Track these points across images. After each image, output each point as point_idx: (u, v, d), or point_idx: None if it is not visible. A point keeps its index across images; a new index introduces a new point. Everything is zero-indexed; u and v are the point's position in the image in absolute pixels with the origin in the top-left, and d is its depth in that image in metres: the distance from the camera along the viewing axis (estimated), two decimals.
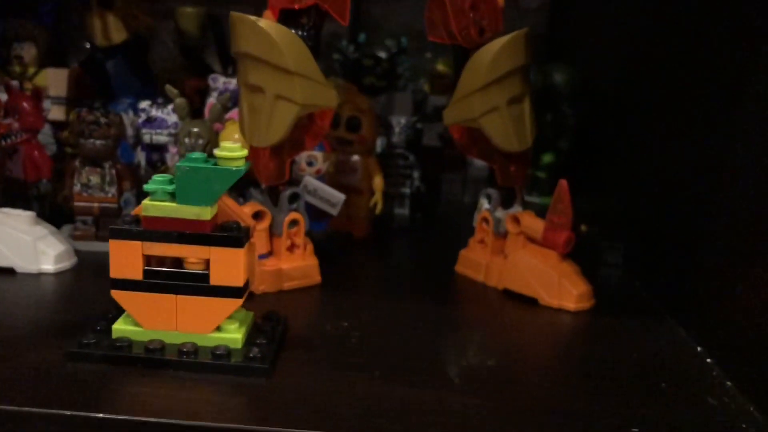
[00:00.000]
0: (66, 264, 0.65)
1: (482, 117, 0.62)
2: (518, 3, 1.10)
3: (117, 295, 0.48)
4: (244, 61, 0.57)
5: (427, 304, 0.62)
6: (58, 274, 0.64)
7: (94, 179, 0.69)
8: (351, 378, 0.47)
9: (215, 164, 0.46)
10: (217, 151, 0.46)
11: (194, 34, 1.03)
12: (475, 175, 0.98)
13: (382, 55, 0.99)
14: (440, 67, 1.06)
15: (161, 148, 0.77)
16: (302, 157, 0.72)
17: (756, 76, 0.51)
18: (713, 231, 0.56)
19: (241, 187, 0.65)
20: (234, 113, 0.72)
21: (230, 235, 0.47)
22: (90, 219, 0.70)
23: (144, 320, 0.48)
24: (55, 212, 0.74)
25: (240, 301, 0.48)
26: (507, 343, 0.56)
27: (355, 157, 0.79)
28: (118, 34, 0.88)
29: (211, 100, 0.79)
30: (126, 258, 0.47)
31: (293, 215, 0.62)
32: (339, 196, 0.70)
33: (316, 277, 0.64)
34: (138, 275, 0.48)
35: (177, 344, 0.47)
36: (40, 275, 0.63)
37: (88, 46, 0.95)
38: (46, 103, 0.82)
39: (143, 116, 0.77)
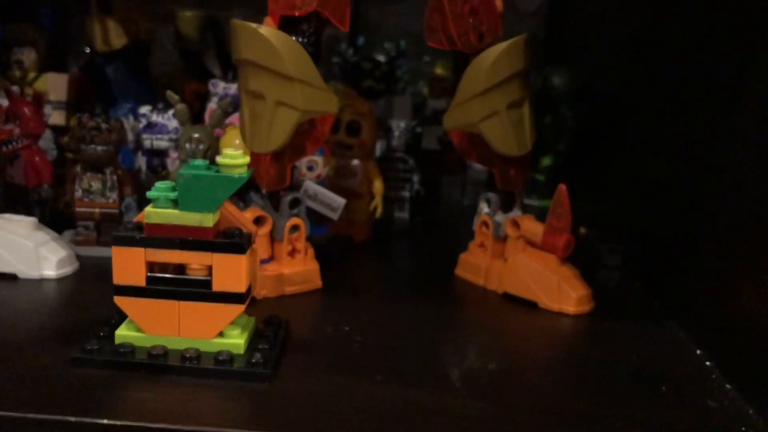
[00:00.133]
0: (68, 269, 0.65)
1: (482, 122, 0.62)
2: (516, 7, 1.11)
3: (120, 301, 0.48)
4: (245, 67, 0.58)
5: (427, 308, 0.62)
6: (60, 280, 0.64)
7: (96, 185, 0.69)
8: (352, 382, 0.48)
9: (217, 171, 0.47)
10: (219, 159, 0.46)
11: (194, 37, 1.03)
12: (475, 178, 0.99)
13: (381, 58, 0.99)
14: (439, 70, 1.06)
15: (162, 153, 0.77)
16: (303, 161, 0.72)
17: (755, 77, 0.51)
18: (712, 233, 0.56)
19: (243, 191, 0.65)
20: (234, 118, 0.72)
21: (232, 242, 0.47)
22: (91, 224, 0.71)
23: (147, 326, 0.49)
24: (56, 217, 0.74)
25: (242, 307, 0.48)
26: (507, 347, 0.56)
27: (355, 161, 0.79)
28: (117, 40, 0.88)
29: (212, 105, 0.79)
30: (129, 264, 0.48)
31: (294, 220, 0.63)
32: (339, 201, 0.70)
33: (317, 282, 0.64)
34: (141, 282, 0.48)
35: (180, 350, 0.48)
36: (42, 281, 0.63)
37: (88, 50, 0.96)
38: (47, 108, 0.83)
39: (144, 121, 0.77)
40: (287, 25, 0.59)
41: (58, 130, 0.85)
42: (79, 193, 0.70)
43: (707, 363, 0.54)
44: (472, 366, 0.52)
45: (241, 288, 0.48)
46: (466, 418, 0.44)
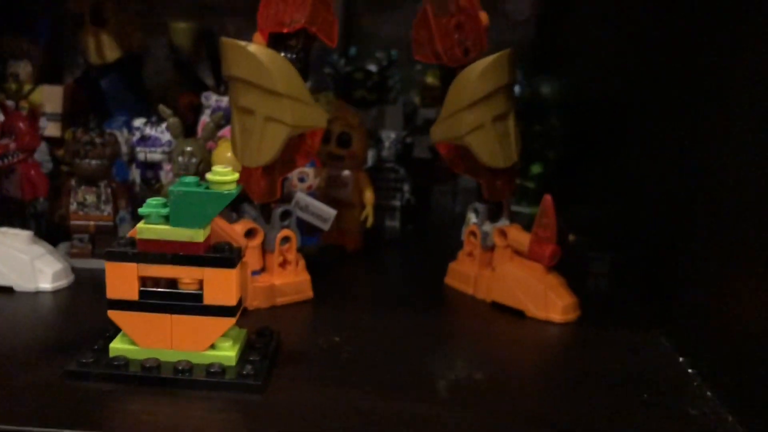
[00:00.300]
0: (63, 282, 0.66)
1: (468, 134, 0.63)
2: (507, 15, 1.12)
3: (114, 315, 0.50)
4: (236, 84, 0.59)
5: (417, 317, 0.63)
6: (55, 293, 0.65)
7: (90, 198, 0.71)
8: (342, 392, 0.49)
9: (207, 188, 0.48)
10: (208, 176, 0.47)
11: (188, 49, 1.04)
12: (466, 187, 1.00)
13: (373, 68, 1.00)
14: (430, 79, 1.07)
15: (155, 166, 0.79)
16: (294, 173, 0.73)
17: (739, 88, 0.52)
18: (697, 244, 0.57)
19: (236, 203, 0.66)
20: (227, 131, 0.73)
21: (223, 256, 0.48)
22: (86, 237, 0.72)
23: (140, 339, 0.50)
24: (52, 230, 0.75)
25: (233, 320, 0.49)
26: (495, 356, 0.57)
27: (346, 172, 0.80)
28: (111, 53, 0.89)
29: (204, 118, 0.80)
30: (122, 279, 0.49)
31: (285, 232, 0.64)
32: (330, 212, 0.71)
33: (309, 292, 0.66)
34: (134, 296, 0.49)
35: (172, 362, 0.49)
36: (37, 294, 0.65)
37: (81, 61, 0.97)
38: (42, 121, 0.84)
39: (137, 134, 0.78)
40: (276, 41, 0.60)
41: (53, 142, 0.86)
42: (74, 207, 0.71)
43: (690, 371, 0.55)
44: (459, 375, 0.53)
45: (232, 301, 0.49)
46: (454, 427, 0.45)
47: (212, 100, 0.82)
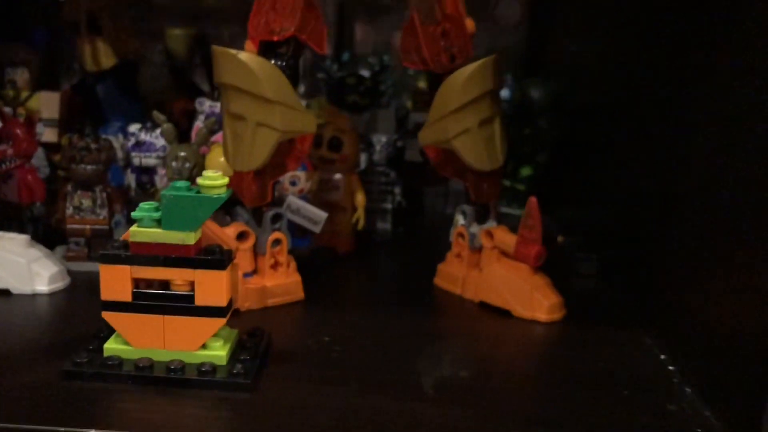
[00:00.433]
0: (59, 285, 0.68)
1: (455, 138, 0.65)
2: (497, 20, 1.14)
3: (108, 316, 0.51)
4: (227, 91, 0.60)
5: (405, 318, 0.65)
6: (51, 295, 0.66)
7: (86, 202, 0.72)
8: (331, 391, 0.50)
9: (198, 192, 0.49)
10: (199, 180, 0.49)
11: (183, 54, 1.06)
12: (457, 189, 1.01)
13: (365, 73, 1.02)
14: (422, 84, 1.09)
15: (150, 171, 0.80)
16: (286, 177, 0.75)
17: (715, 95, 0.54)
18: (675, 245, 0.59)
19: (229, 206, 0.68)
20: (219, 136, 0.74)
21: (213, 258, 0.50)
22: (82, 240, 0.73)
23: (133, 339, 0.51)
24: (48, 234, 0.76)
25: (224, 320, 0.51)
26: (481, 354, 0.59)
27: (338, 175, 0.82)
28: (107, 60, 0.91)
29: (198, 123, 0.82)
30: (116, 281, 0.50)
31: (276, 235, 0.65)
32: (321, 215, 0.73)
33: (300, 294, 0.67)
34: (127, 297, 0.50)
35: (165, 362, 0.50)
36: (34, 296, 0.66)
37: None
38: (39, 127, 0.85)
39: (132, 140, 0.80)
40: (267, 49, 0.61)
41: (50, 148, 0.88)
42: (70, 211, 0.72)
43: (670, 368, 0.56)
44: (446, 374, 0.54)
45: (222, 302, 0.50)
46: (440, 425, 0.46)
47: (206, 105, 0.83)
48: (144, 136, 0.79)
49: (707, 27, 0.55)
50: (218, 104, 0.84)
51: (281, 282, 0.66)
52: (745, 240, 0.47)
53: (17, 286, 0.66)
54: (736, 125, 0.49)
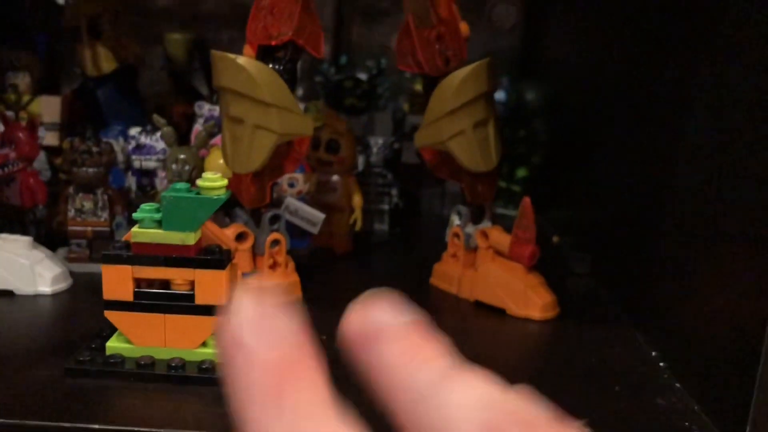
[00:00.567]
0: (62, 285, 0.69)
1: (450, 140, 0.66)
2: (493, 24, 1.15)
3: (110, 315, 0.52)
4: (226, 94, 0.62)
5: None
6: (54, 296, 0.68)
7: (87, 205, 0.73)
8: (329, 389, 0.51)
9: (198, 193, 0.50)
10: (199, 181, 0.50)
11: (182, 59, 1.07)
12: (453, 190, 1.02)
13: (363, 76, 1.03)
14: (418, 86, 1.10)
15: (151, 173, 0.81)
16: (284, 178, 0.76)
17: (700, 99, 0.55)
18: (665, 245, 0.60)
19: (228, 208, 0.69)
20: (218, 139, 0.76)
21: (213, 258, 0.51)
22: (84, 242, 0.74)
23: (135, 338, 0.52)
24: (50, 236, 0.77)
25: None
26: (476, 352, 0.60)
27: (335, 177, 0.83)
28: (107, 64, 0.92)
29: (197, 126, 0.83)
30: (117, 281, 0.51)
31: (274, 235, 0.66)
32: (319, 216, 0.74)
33: (297, 294, 0.68)
34: (129, 297, 0.52)
35: (166, 359, 0.51)
36: (37, 297, 0.67)
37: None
38: (40, 131, 0.86)
39: (133, 143, 0.81)
40: (265, 53, 0.63)
41: (51, 151, 0.89)
42: (71, 213, 0.74)
43: (661, 364, 0.57)
44: None
45: (222, 301, 0.51)
46: None
47: (205, 109, 0.84)
48: (144, 140, 0.81)
49: (698, 31, 0.56)
50: (217, 108, 0.85)
51: (280, 282, 0.67)
52: (732, 240, 0.48)
53: (20, 287, 0.67)
54: (725, 128, 0.51)
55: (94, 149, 0.71)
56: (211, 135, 0.74)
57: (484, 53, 0.68)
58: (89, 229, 0.74)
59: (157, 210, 0.51)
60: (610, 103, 0.77)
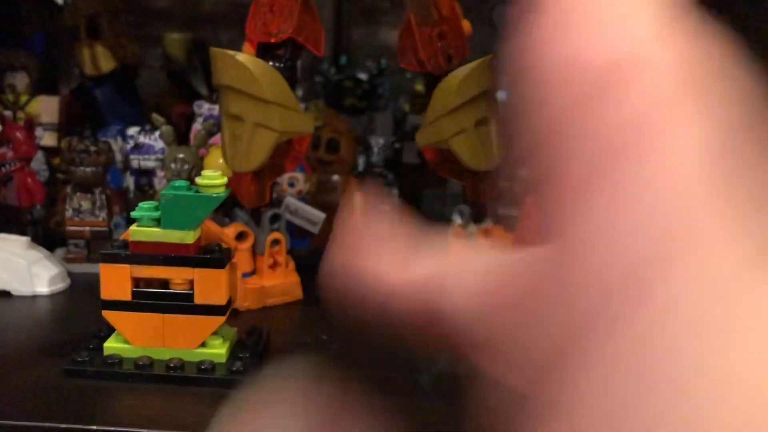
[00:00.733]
0: (60, 286, 0.68)
1: (452, 138, 0.65)
2: (494, 23, 1.14)
3: (108, 315, 0.51)
4: (225, 92, 0.61)
5: None
6: (52, 296, 0.67)
7: (85, 204, 0.73)
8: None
9: (197, 191, 0.50)
10: (198, 180, 0.49)
11: (181, 59, 1.06)
12: (455, 190, 1.02)
13: (363, 76, 1.03)
14: (419, 86, 1.09)
15: (149, 173, 0.81)
16: (284, 178, 0.76)
17: None
18: None
19: (228, 208, 0.68)
20: (218, 138, 0.75)
21: (212, 257, 0.50)
22: (82, 242, 0.74)
23: (133, 338, 0.52)
24: (48, 236, 0.77)
25: (223, 318, 0.51)
26: None
27: (336, 177, 0.82)
28: (106, 64, 0.91)
29: (196, 126, 0.82)
30: (115, 280, 0.51)
31: (274, 235, 0.66)
32: (319, 215, 0.73)
33: (298, 293, 0.67)
34: (127, 296, 0.51)
35: (164, 360, 0.51)
36: (35, 297, 0.66)
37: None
38: (38, 131, 0.86)
39: (131, 143, 0.80)
40: (265, 51, 0.62)
41: (49, 152, 0.88)
42: (69, 213, 0.73)
43: None
44: (442, 369, 0.55)
45: (222, 300, 0.51)
46: (437, 420, 0.47)
47: (204, 108, 0.84)
48: (143, 139, 0.80)
49: None
50: (216, 107, 0.85)
51: (280, 282, 0.66)
52: None
53: (18, 288, 0.66)
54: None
55: (92, 148, 0.71)
56: (211, 134, 0.73)
57: (486, 52, 0.67)
58: (87, 229, 0.73)
59: (156, 208, 0.50)
60: None
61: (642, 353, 0.12)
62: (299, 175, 0.77)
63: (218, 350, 0.52)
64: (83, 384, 0.49)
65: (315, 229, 0.74)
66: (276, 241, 0.66)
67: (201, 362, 0.50)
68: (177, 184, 0.50)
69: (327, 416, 0.20)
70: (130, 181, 0.82)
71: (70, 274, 0.70)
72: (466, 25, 0.66)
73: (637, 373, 0.12)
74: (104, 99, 0.94)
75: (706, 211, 0.13)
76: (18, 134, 0.75)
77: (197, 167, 0.70)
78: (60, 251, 0.75)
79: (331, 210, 0.79)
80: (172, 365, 0.50)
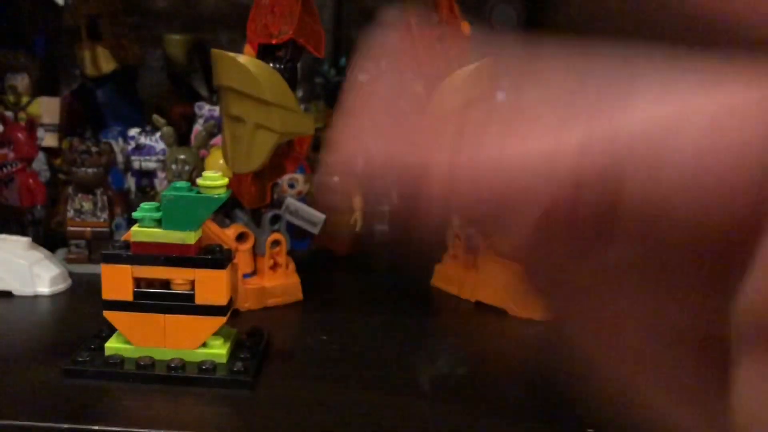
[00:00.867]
0: (61, 286, 0.68)
1: None
2: (493, 26, 1.15)
3: (109, 315, 0.52)
4: (226, 93, 0.61)
5: (403, 317, 0.66)
6: (53, 296, 0.67)
7: (87, 205, 0.73)
8: (329, 388, 0.51)
9: (198, 192, 0.50)
10: (199, 180, 0.50)
11: (182, 60, 1.07)
12: None
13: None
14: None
15: (150, 174, 0.81)
16: (284, 179, 0.76)
17: None
18: None
19: (228, 209, 0.68)
20: (218, 139, 0.75)
21: (213, 258, 0.51)
22: (83, 243, 0.74)
23: (134, 338, 0.52)
24: (49, 237, 0.77)
25: (224, 319, 0.52)
26: (477, 352, 0.60)
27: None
28: (107, 64, 0.92)
29: (197, 127, 0.83)
30: (117, 281, 0.51)
31: (275, 236, 0.66)
32: (319, 216, 0.73)
33: (298, 294, 0.68)
34: (128, 296, 0.51)
35: (166, 360, 0.51)
36: (36, 297, 0.67)
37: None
38: (39, 132, 0.86)
39: (132, 144, 0.81)
40: (265, 52, 0.62)
41: (50, 152, 0.89)
42: (71, 214, 0.73)
43: None
44: (443, 371, 0.55)
45: (223, 301, 0.51)
46: (437, 421, 0.47)
47: (205, 109, 0.84)
48: (144, 140, 0.80)
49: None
50: (217, 108, 0.85)
51: (280, 283, 0.66)
52: None
53: (19, 288, 0.67)
54: None
55: (94, 149, 0.71)
56: (211, 135, 0.73)
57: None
58: (88, 229, 0.74)
59: (157, 209, 0.51)
60: None
61: None
62: (299, 176, 0.77)
63: (219, 350, 0.52)
64: (84, 384, 0.50)
65: (315, 230, 0.74)
66: (276, 242, 0.67)
67: (202, 362, 0.51)
68: (178, 185, 0.50)
69: None
70: (131, 182, 0.82)
71: (71, 274, 0.71)
72: (466, 28, 0.67)
73: None
74: (105, 100, 0.94)
75: None
76: (19, 135, 0.75)
77: (198, 168, 0.71)
78: (61, 252, 0.75)
79: (331, 211, 0.79)
80: (173, 365, 0.50)
